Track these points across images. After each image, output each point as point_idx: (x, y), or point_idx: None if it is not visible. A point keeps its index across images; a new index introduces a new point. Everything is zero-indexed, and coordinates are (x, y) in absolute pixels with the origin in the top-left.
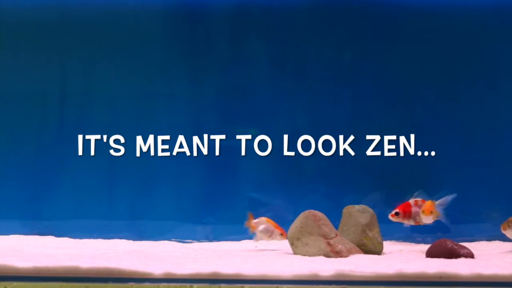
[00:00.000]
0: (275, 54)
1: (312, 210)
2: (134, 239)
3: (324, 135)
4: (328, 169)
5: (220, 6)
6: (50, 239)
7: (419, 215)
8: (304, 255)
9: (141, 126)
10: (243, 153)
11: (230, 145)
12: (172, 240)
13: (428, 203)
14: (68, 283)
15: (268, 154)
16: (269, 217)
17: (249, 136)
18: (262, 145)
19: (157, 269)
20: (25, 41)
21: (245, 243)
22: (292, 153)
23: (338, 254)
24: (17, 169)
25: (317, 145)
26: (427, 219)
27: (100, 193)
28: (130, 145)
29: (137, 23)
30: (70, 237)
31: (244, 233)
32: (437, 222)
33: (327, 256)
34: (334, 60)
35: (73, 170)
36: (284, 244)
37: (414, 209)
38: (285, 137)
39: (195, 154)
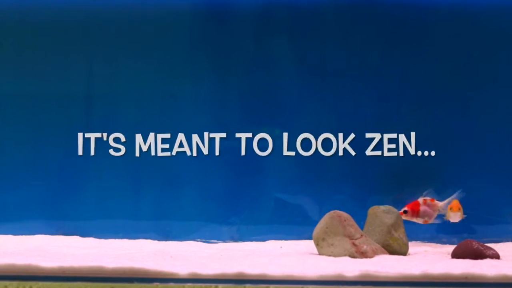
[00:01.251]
0: (299, 53)
1: (338, 211)
2: (159, 239)
3: (349, 135)
4: (353, 170)
5: (245, 5)
6: (75, 239)
7: (427, 214)
8: (329, 255)
9: (166, 126)
10: (268, 153)
11: (255, 145)
12: (198, 240)
13: (456, 200)
14: (93, 283)
15: (293, 154)
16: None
17: (274, 136)
18: (287, 145)
19: (182, 269)
20: (51, 42)
21: (270, 244)
22: (317, 153)
23: (363, 254)
24: (42, 170)
25: (342, 145)
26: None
27: (125, 193)
28: (154, 144)
29: (162, 23)
30: (95, 237)
31: (269, 233)
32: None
33: (352, 256)
34: (359, 59)
35: (98, 170)
36: (309, 244)
37: (422, 207)
38: (310, 137)
39: (219, 154)
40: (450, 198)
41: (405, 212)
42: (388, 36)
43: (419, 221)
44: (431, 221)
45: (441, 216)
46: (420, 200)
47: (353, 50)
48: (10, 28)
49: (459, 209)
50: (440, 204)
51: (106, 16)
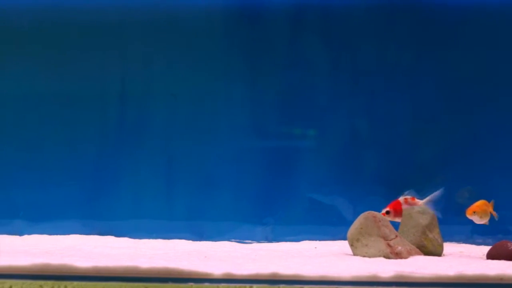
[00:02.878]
0: (333, 54)
1: (372, 211)
2: (193, 240)
3: (383, 136)
4: (388, 170)
5: (278, 6)
6: (109, 239)
7: None
8: (364, 256)
9: (200, 126)
10: (302, 153)
11: (289, 146)
12: (232, 241)
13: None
14: (127, 283)
15: (328, 155)
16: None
17: (308, 137)
18: (321, 146)
19: (216, 269)
20: (86, 42)
21: (305, 244)
22: (352, 154)
23: (398, 255)
24: (77, 169)
25: (376, 146)
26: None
27: (160, 193)
28: (189, 145)
29: (196, 24)
30: (130, 237)
31: (303, 234)
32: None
33: (387, 257)
34: (393, 60)
35: (133, 170)
36: (344, 245)
37: (404, 207)
38: (344, 137)
39: (254, 154)
40: (430, 196)
41: (387, 212)
42: (421, 36)
43: (401, 220)
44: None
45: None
46: (401, 199)
47: (387, 50)
48: (47, 29)
49: (484, 211)
50: (421, 202)
51: (141, 17)
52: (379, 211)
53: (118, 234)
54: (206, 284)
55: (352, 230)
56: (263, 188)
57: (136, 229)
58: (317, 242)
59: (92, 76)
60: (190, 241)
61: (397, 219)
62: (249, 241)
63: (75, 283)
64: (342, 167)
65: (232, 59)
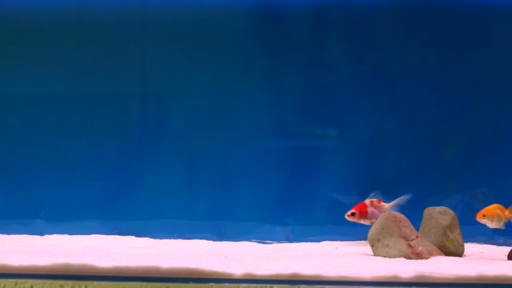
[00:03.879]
0: (355, 54)
1: (393, 212)
2: (214, 240)
3: (405, 137)
4: (409, 170)
5: (300, 6)
6: (130, 239)
7: (375, 216)
8: (385, 256)
9: (221, 126)
10: (323, 154)
11: (310, 146)
12: (252, 241)
13: (492, 206)
14: (148, 283)
15: (349, 155)
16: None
17: (329, 137)
18: (343, 146)
19: (237, 270)
20: (107, 42)
21: (325, 244)
22: (373, 154)
23: (418, 255)
24: (98, 169)
25: (398, 146)
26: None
27: (181, 193)
28: (210, 145)
29: (217, 24)
30: (151, 237)
31: (324, 234)
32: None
33: (408, 257)
34: (415, 61)
35: (154, 170)
36: (364, 245)
37: (370, 209)
38: (366, 138)
39: (275, 154)
40: (396, 200)
41: (352, 214)
42: (444, 35)
43: (367, 222)
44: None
45: None
46: (367, 201)
47: (409, 51)
48: (68, 29)
49: (496, 214)
50: (386, 206)
51: (162, 17)
52: (400, 211)
53: (138, 234)
54: (227, 284)
55: (372, 230)
56: (283, 188)
57: (157, 229)
58: (338, 242)
59: (114, 76)
60: (211, 241)
61: (362, 221)
62: (270, 241)
63: (96, 283)
64: (363, 167)
65: (254, 59)
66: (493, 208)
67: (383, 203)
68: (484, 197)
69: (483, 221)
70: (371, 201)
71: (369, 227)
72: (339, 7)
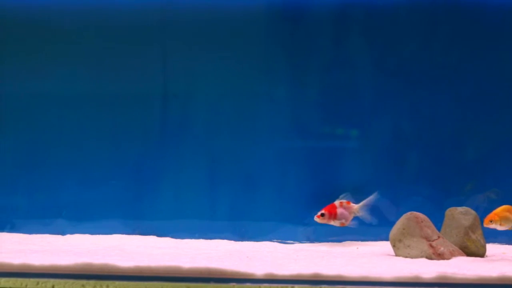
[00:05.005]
0: (376, 54)
1: (415, 212)
2: (235, 240)
3: (427, 137)
4: (431, 171)
5: (322, 6)
6: (152, 239)
7: (344, 216)
8: (406, 257)
9: (242, 127)
10: (344, 154)
11: (331, 146)
12: (274, 241)
13: (499, 209)
14: (169, 282)
15: (370, 156)
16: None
17: (350, 137)
18: (364, 146)
19: (258, 270)
20: (129, 42)
21: (347, 245)
22: (394, 154)
23: (440, 256)
24: (120, 169)
25: (420, 146)
26: (497, 227)
27: (202, 193)
28: (231, 145)
29: (238, 23)
30: (172, 237)
31: (345, 234)
32: None
33: (429, 258)
34: (437, 61)
35: (175, 170)
36: (386, 245)
37: (339, 210)
38: (387, 137)
39: (296, 154)
40: (365, 201)
41: (322, 215)
42: (467, 35)
43: (336, 223)
44: (347, 223)
45: (356, 219)
46: (337, 203)
47: (431, 51)
48: (90, 30)
49: (505, 217)
50: (355, 207)
51: (182, 16)
52: (422, 211)
53: (160, 234)
54: (248, 284)
55: (394, 230)
56: (305, 188)
57: (178, 229)
58: (359, 242)
59: (135, 77)
60: (232, 241)
61: (332, 222)
62: (291, 241)
63: (117, 282)
64: (384, 167)
65: (275, 59)
66: (501, 211)
67: (352, 204)
68: (497, 197)
69: (491, 226)
70: (341, 202)
71: (391, 227)
72: (361, 6)
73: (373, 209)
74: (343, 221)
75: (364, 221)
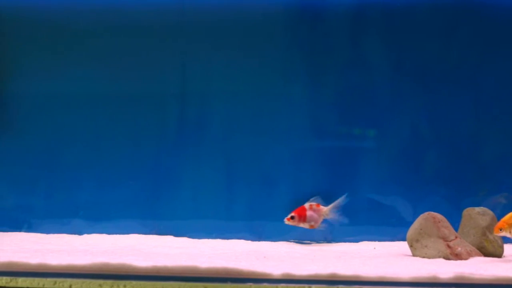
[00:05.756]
0: (394, 54)
1: (432, 212)
2: (252, 240)
3: (444, 137)
4: (448, 171)
5: (340, 6)
6: (169, 239)
7: (313, 219)
8: (423, 257)
9: (259, 127)
10: (362, 154)
11: (348, 146)
12: (291, 241)
13: (507, 216)
14: (186, 282)
15: (387, 155)
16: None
17: (367, 137)
18: (381, 146)
19: (275, 270)
20: (147, 42)
21: (364, 245)
22: (411, 154)
23: (457, 256)
24: (137, 169)
25: (437, 146)
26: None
27: (219, 193)
28: (248, 145)
29: (256, 23)
30: (189, 237)
31: (362, 234)
32: None
33: (447, 258)
34: (455, 61)
35: (192, 170)
36: (403, 246)
37: (309, 212)
38: (404, 137)
39: (313, 154)
40: (334, 203)
41: (292, 217)
42: (485, 36)
43: (306, 226)
44: (316, 226)
45: (326, 221)
46: (306, 205)
47: (449, 51)
48: (109, 30)
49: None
50: (325, 209)
51: (200, 17)
52: (439, 211)
53: (177, 234)
54: (265, 284)
55: (411, 231)
56: (322, 188)
57: (195, 229)
58: (376, 242)
59: (153, 77)
60: (249, 241)
61: (301, 225)
62: (308, 241)
63: (134, 282)
64: (401, 167)
65: (292, 59)
66: (509, 218)
67: (321, 207)
68: (507, 201)
69: (502, 234)
70: (310, 205)
71: (408, 227)
72: (379, 6)
73: (342, 211)
74: (313, 223)
75: (333, 223)
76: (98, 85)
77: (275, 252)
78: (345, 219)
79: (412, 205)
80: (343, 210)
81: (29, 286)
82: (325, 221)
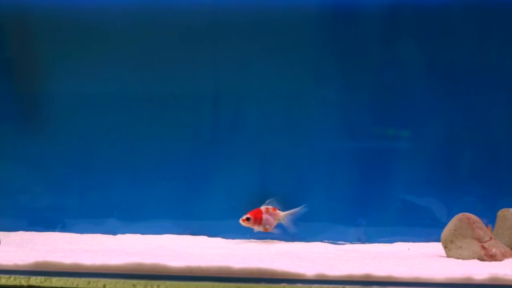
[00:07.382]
0: (428, 54)
1: (466, 213)
2: (286, 240)
3: (479, 137)
4: (483, 171)
5: (373, 6)
6: (202, 239)
7: (269, 222)
8: (458, 258)
9: (293, 127)
10: (396, 154)
11: (383, 147)
12: (325, 242)
13: None
14: (220, 283)
15: (421, 156)
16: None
17: (402, 138)
18: (415, 146)
19: (309, 270)
20: (180, 42)
21: (398, 245)
22: (446, 155)
23: (492, 257)
24: (170, 169)
25: (471, 146)
26: None
27: (253, 193)
28: (282, 145)
29: (288, 24)
30: (223, 237)
31: (396, 235)
32: None
33: (481, 259)
34: (490, 61)
35: (226, 170)
36: (437, 247)
37: (265, 216)
38: (439, 138)
39: (347, 155)
40: (291, 210)
41: (247, 219)
42: None
43: (260, 228)
44: (271, 229)
45: (280, 226)
46: (263, 208)
47: (484, 52)
48: (143, 30)
49: None
50: (281, 214)
51: (233, 18)
52: (474, 212)
53: (211, 234)
54: (299, 285)
55: (446, 231)
56: (356, 189)
57: (229, 229)
58: (410, 243)
59: (186, 77)
60: (283, 242)
61: (256, 227)
62: (342, 242)
63: (168, 282)
64: (436, 168)
65: (326, 59)
66: None
67: (278, 211)
68: None
69: None
70: (267, 208)
71: (442, 228)
72: (412, 6)
73: (296, 220)
74: (267, 226)
75: (287, 229)
76: (132, 85)
77: (309, 253)
78: (296, 229)
79: (446, 206)
80: (297, 219)
81: (63, 285)
82: (279, 225)
